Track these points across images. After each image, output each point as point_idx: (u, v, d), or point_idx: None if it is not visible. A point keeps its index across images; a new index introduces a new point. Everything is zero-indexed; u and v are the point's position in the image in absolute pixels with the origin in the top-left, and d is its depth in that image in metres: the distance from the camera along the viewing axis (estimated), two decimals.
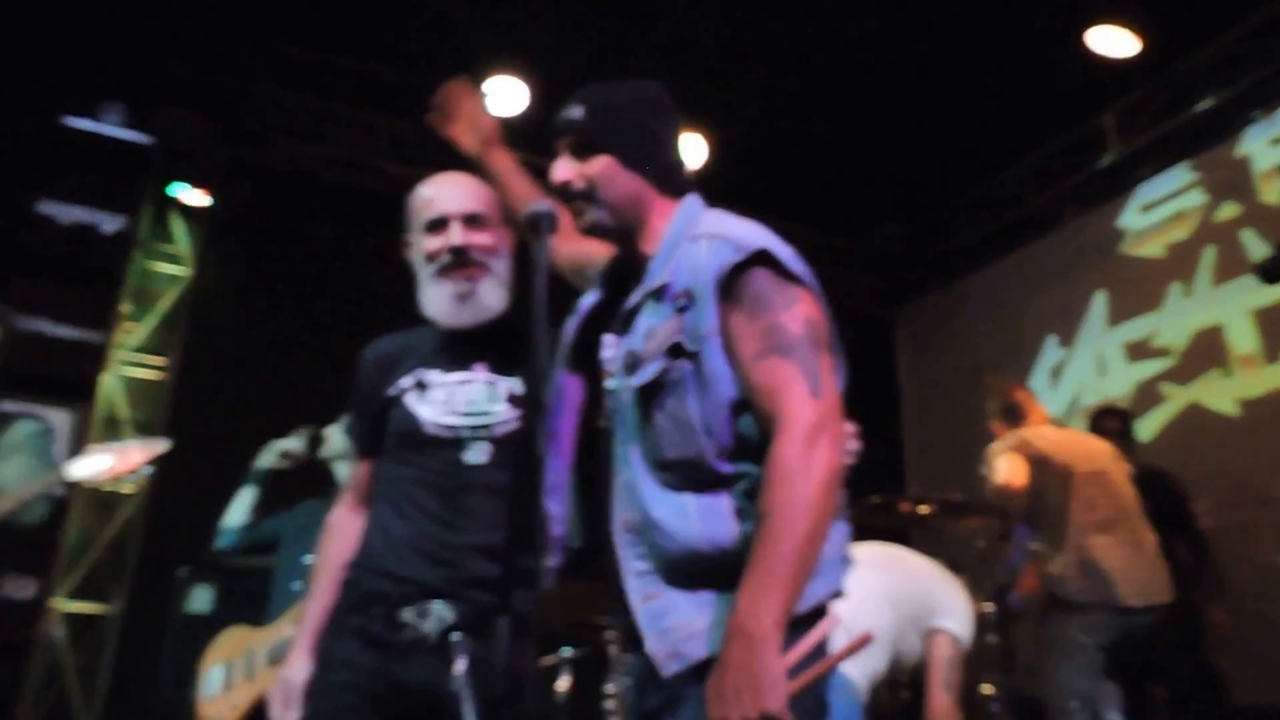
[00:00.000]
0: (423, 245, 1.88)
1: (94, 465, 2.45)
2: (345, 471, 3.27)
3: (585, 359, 1.57)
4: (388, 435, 1.88)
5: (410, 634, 1.73)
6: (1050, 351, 6.14)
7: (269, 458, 3.29)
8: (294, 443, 3.30)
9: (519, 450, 1.77)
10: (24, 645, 4.77)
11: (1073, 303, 6.00)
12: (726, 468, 1.35)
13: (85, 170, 5.29)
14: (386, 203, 5.65)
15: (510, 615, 1.34)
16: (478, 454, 1.80)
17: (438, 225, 1.87)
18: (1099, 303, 5.89)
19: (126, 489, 5.11)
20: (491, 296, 1.86)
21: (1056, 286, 6.13)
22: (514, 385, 1.86)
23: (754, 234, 1.41)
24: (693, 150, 5.68)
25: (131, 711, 4.60)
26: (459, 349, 1.88)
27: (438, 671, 1.68)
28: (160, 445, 2.58)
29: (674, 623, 1.34)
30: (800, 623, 1.28)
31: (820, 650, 1.30)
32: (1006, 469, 3.56)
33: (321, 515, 3.14)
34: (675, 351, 1.38)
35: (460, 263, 1.84)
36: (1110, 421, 4.27)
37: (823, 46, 5.32)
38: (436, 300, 1.86)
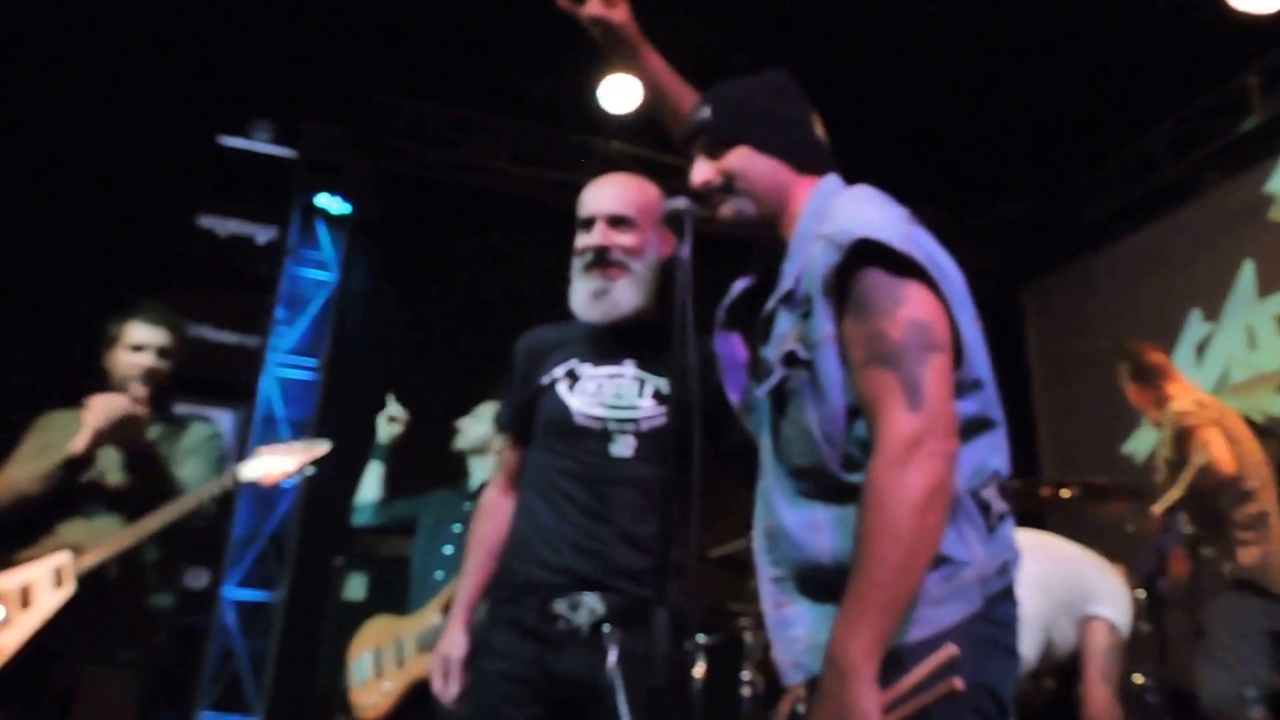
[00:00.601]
0: (576, 242, 1.97)
1: (262, 467, 2.60)
2: (479, 465, 3.42)
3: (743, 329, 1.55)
4: (537, 423, 1.94)
5: (563, 625, 1.77)
6: (1194, 326, 5.83)
7: (381, 431, 3.43)
8: (391, 409, 3.44)
9: (670, 445, 1.80)
10: (200, 631, 5.11)
11: (1217, 274, 5.66)
12: (852, 477, 1.30)
13: (240, 185, 5.61)
14: (514, 204, 5.88)
15: (667, 608, 1.36)
16: (623, 447, 1.85)
17: (586, 224, 1.95)
18: (1247, 273, 5.55)
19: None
20: (626, 295, 1.90)
21: (1199, 258, 5.80)
22: (661, 384, 1.89)
23: (861, 223, 1.31)
24: None
25: (298, 692, 4.83)
26: (609, 343, 1.94)
27: (590, 663, 1.72)
28: (320, 447, 2.70)
29: (799, 633, 1.34)
30: (915, 651, 1.22)
31: (935, 679, 1.20)
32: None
33: (455, 507, 3.32)
34: (791, 360, 1.36)
35: (600, 262, 1.91)
36: None
37: (943, 16, 5.17)
38: (578, 295, 1.94)
